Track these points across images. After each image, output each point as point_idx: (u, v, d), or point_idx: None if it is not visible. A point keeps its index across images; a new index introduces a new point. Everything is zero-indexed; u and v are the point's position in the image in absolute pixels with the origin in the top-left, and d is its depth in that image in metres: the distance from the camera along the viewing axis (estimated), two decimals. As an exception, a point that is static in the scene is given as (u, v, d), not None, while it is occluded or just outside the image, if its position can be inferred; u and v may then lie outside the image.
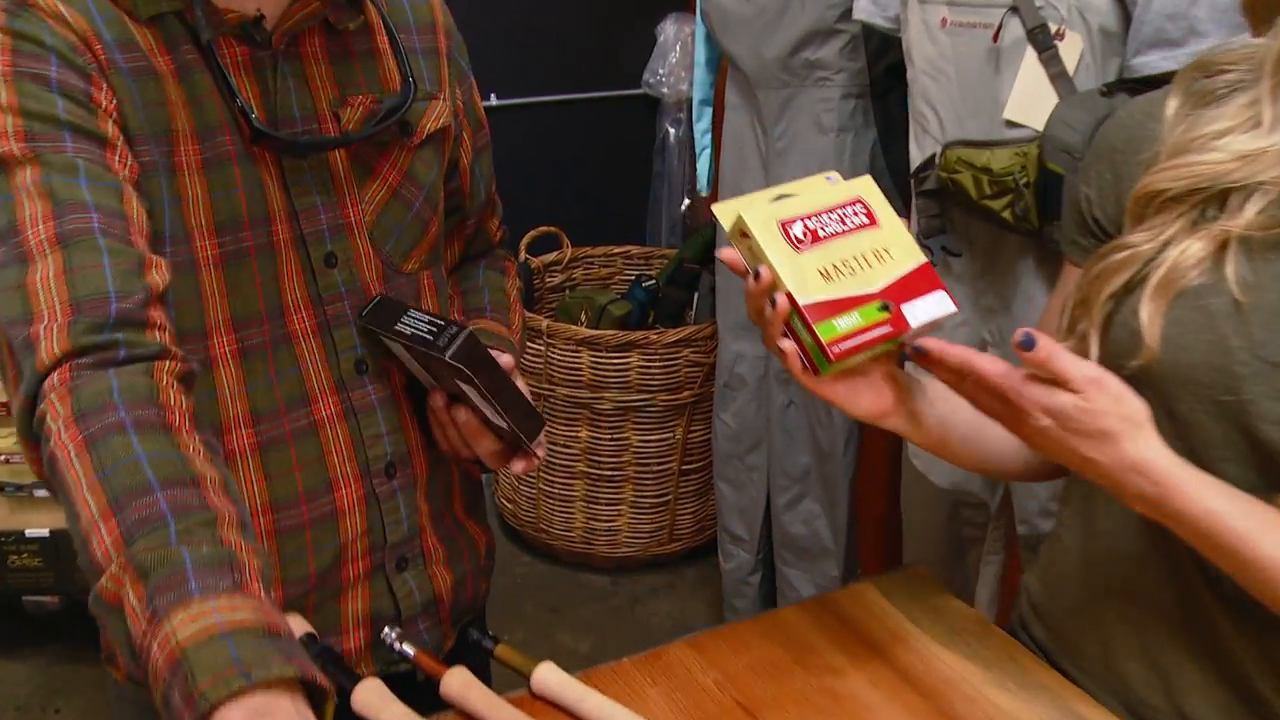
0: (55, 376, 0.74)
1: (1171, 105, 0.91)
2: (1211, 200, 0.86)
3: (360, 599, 1.04)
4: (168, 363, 0.78)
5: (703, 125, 2.41)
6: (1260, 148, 0.84)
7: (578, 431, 2.69)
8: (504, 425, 0.98)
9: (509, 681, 0.96)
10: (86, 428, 0.72)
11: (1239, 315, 0.83)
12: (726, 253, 0.84)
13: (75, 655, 2.47)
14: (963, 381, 0.84)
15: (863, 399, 0.87)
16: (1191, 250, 0.85)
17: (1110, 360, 0.89)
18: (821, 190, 0.87)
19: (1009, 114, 1.52)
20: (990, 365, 0.81)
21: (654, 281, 2.87)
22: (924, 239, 1.69)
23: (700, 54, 2.32)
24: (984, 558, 1.94)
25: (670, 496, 2.78)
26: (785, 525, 2.31)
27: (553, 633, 2.60)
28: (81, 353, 0.75)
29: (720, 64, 2.34)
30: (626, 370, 2.61)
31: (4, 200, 0.81)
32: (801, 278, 0.81)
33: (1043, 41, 1.47)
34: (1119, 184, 0.93)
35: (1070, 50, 1.46)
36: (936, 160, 1.61)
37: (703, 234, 2.88)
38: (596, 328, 2.74)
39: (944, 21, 1.59)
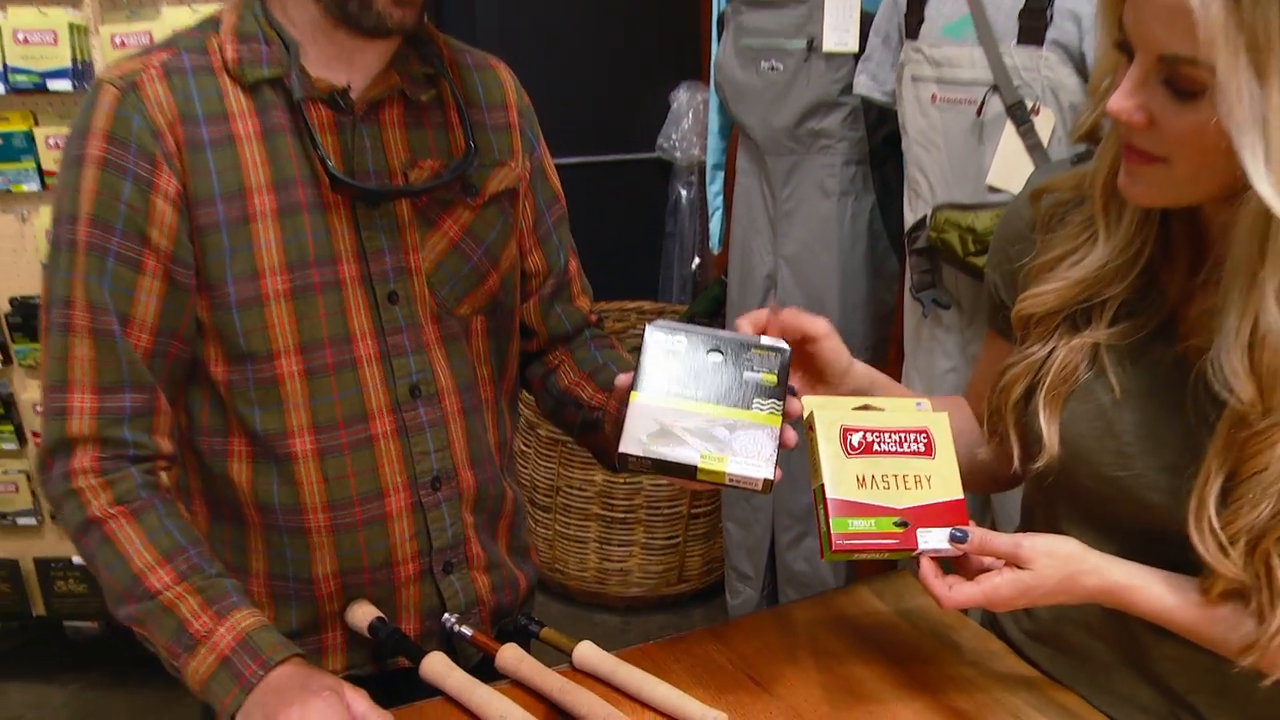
0: (83, 458, 1.04)
1: (1028, 224, 1.00)
2: (1079, 312, 0.97)
3: (412, 596, 1.17)
4: (162, 460, 1.08)
5: (715, 188, 2.55)
6: (1094, 271, 0.94)
7: (592, 475, 2.80)
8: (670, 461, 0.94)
9: (549, 659, 1.10)
10: (129, 506, 1.03)
11: (1122, 403, 0.94)
12: (789, 434, 0.97)
13: (113, 680, 2.53)
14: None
15: None
16: (1069, 359, 0.97)
17: (1027, 459, 1.00)
18: (904, 413, 0.99)
19: (991, 180, 1.67)
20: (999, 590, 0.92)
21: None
22: (916, 293, 1.83)
23: (714, 122, 2.46)
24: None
25: (680, 539, 2.87)
26: (789, 562, 2.43)
27: (566, 666, 2.69)
28: (103, 444, 1.04)
29: (732, 131, 2.47)
30: (640, 416, 2.71)
31: (66, 275, 1.03)
32: (839, 477, 0.95)
33: (1020, 116, 1.62)
34: (1015, 275, 1.03)
35: (1044, 124, 1.61)
36: (927, 221, 1.75)
37: (712, 290, 3.00)
38: (611, 377, 2.84)
39: (934, 98, 1.75)
